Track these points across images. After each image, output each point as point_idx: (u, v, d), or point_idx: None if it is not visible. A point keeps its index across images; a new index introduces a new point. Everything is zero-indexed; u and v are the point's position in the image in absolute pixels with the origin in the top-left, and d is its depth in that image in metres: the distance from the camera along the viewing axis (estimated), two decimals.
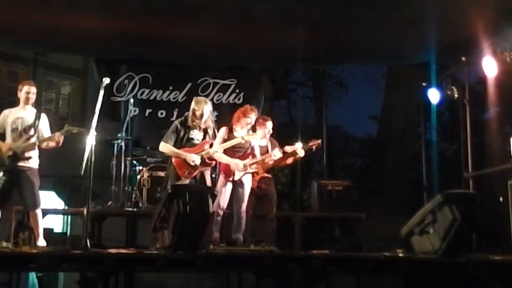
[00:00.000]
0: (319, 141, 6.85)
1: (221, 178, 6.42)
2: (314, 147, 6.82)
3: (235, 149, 6.42)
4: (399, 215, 6.86)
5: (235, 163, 6.35)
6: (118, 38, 7.96)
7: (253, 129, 6.56)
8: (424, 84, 8.78)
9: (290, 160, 6.83)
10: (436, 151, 9.23)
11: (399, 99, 10.84)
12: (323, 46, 8.27)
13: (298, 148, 6.66)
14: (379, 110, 12.15)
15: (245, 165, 6.36)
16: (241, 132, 6.42)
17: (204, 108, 6.21)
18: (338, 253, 6.15)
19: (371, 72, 13.55)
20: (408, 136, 10.75)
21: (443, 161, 9.47)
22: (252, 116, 6.47)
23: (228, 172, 6.37)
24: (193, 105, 6.27)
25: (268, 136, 6.68)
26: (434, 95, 8.60)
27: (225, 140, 6.31)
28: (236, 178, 6.33)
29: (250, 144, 6.52)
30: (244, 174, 6.38)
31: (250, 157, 6.49)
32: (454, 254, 5.34)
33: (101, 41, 8.11)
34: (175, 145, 6.17)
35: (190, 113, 6.27)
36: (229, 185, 6.36)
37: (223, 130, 6.41)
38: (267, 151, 6.61)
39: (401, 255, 5.66)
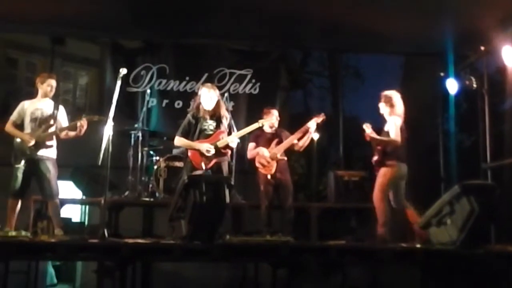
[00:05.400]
0: (322, 114, 6.96)
1: None
2: (319, 122, 6.88)
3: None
4: (416, 205, 6.82)
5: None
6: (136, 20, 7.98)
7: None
8: (442, 74, 8.69)
9: (302, 142, 6.87)
10: (454, 141, 9.14)
11: (416, 90, 10.70)
12: (339, 33, 8.21)
13: (309, 125, 6.79)
14: None
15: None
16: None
17: (210, 93, 6.11)
18: (355, 243, 6.14)
19: (388, 62, 13.43)
20: (425, 126, 10.64)
21: (461, 152, 9.38)
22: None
23: None
24: (199, 92, 6.22)
25: (276, 124, 6.92)
26: (452, 86, 8.51)
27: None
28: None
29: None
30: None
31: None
32: (472, 246, 5.30)
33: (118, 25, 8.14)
34: (189, 138, 6.11)
35: (196, 102, 6.18)
36: None
37: None
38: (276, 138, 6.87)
39: (418, 246, 5.63)
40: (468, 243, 5.29)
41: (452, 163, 8.77)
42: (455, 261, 5.33)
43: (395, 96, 6.34)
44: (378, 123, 6.49)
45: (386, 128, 6.26)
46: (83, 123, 5.96)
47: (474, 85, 8.07)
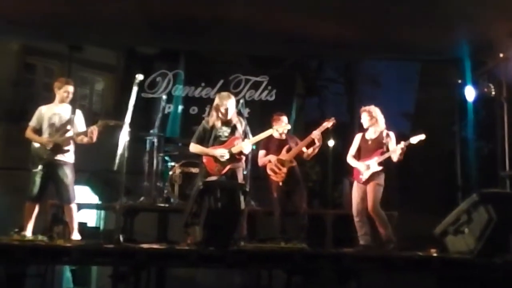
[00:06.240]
0: (332, 119, 6.85)
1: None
2: (329, 126, 6.78)
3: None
4: (432, 213, 6.75)
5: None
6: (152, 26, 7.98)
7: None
8: (459, 81, 8.62)
9: (310, 150, 6.80)
10: (472, 149, 9.05)
11: (433, 96, 10.66)
12: (355, 39, 8.17)
13: (315, 134, 6.68)
14: (412, 107, 11.97)
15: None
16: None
17: (228, 103, 6.09)
18: (370, 251, 6.10)
19: (404, 69, 13.33)
20: (442, 134, 10.56)
21: (478, 159, 9.28)
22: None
23: None
24: (216, 101, 6.18)
25: (286, 131, 6.86)
26: (470, 93, 8.43)
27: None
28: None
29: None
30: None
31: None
32: (490, 255, 5.24)
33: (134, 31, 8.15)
34: (204, 145, 6.13)
35: (213, 110, 6.17)
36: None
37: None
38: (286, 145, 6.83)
39: (435, 254, 5.57)
40: (486, 252, 5.23)
41: (470, 171, 8.68)
42: (472, 270, 5.26)
43: (376, 110, 6.57)
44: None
45: (384, 140, 6.47)
46: (93, 130, 5.98)
47: (493, 92, 7.99)
